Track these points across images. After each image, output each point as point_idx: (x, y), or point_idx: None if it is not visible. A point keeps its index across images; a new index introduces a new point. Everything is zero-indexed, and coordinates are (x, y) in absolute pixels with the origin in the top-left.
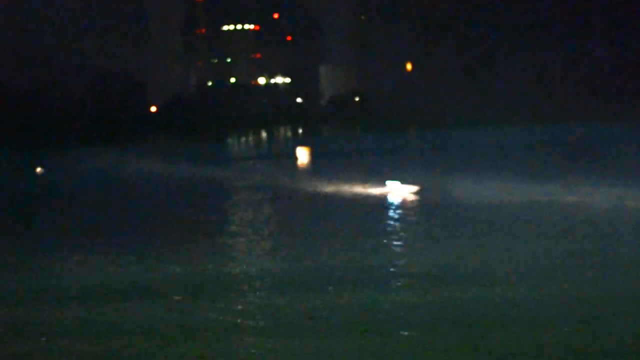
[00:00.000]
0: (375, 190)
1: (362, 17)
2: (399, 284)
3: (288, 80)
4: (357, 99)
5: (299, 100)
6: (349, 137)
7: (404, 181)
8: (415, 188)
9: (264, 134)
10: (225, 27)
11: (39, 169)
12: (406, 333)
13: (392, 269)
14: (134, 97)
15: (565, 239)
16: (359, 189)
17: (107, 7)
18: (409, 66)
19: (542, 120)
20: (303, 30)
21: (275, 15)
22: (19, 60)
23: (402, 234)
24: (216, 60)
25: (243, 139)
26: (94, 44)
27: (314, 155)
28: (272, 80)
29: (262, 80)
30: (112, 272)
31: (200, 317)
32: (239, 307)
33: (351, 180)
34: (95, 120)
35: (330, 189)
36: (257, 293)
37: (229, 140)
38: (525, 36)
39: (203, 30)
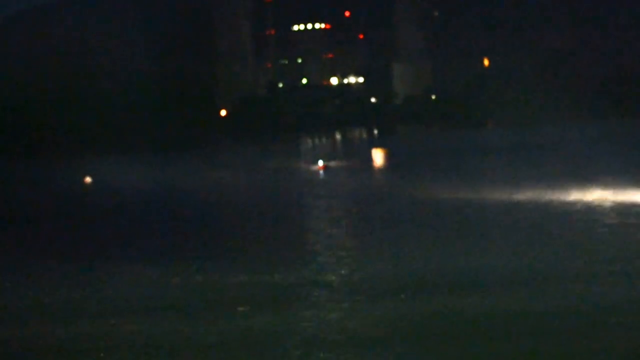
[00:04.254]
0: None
1: (435, 13)
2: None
3: (361, 79)
4: (433, 97)
5: (373, 100)
6: (428, 137)
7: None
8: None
9: (337, 136)
10: (295, 27)
11: (88, 179)
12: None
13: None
14: (203, 101)
15: None
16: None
17: (174, 10)
18: (486, 62)
19: (624, 115)
20: (375, 28)
21: (347, 14)
22: (80, 65)
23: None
24: (286, 61)
25: (317, 141)
26: (160, 48)
27: (392, 158)
28: (345, 80)
29: (334, 81)
30: (175, 283)
31: (264, 329)
32: (300, 319)
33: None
34: (163, 126)
35: (409, 193)
36: (323, 304)
37: (302, 143)
38: (605, 29)
39: (272, 31)
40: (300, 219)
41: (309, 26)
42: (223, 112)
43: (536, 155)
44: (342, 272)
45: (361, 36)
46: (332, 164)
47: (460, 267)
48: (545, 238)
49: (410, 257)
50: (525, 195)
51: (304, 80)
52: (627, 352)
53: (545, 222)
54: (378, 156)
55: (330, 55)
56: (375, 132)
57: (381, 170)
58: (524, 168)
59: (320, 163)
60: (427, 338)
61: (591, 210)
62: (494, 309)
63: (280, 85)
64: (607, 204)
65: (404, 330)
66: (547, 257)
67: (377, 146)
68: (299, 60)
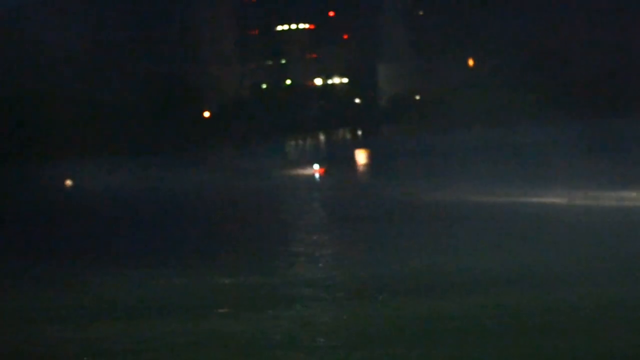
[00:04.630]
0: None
1: (420, 13)
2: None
3: (345, 80)
4: (417, 97)
5: (357, 100)
6: (412, 138)
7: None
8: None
9: (321, 137)
10: (279, 27)
11: (68, 182)
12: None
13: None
14: (185, 103)
15: None
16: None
17: (155, 10)
18: (470, 62)
19: (612, 115)
20: (360, 28)
21: (331, 14)
22: (60, 67)
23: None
24: (270, 62)
25: (300, 142)
26: (141, 48)
27: (374, 160)
28: (329, 81)
29: (318, 81)
30: (156, 285)
31: (244, 331)
32: (282, 320)
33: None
34: (146, 128)
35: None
36: (303, 306)
37: (286, 144)
38: (592, 28)
39: (256, 31)
40: (284, 222)
41: (293, 26)
42: (207, 114)
43: (520, 156)
44: (324, 274)
45: (345, 37)
46: (316, 167)
47: (443, 269)
48: (523, 238)
49: (393, 259)
50: (506, 196)
51: (288, 81)
52: (616, 352)
53: (524, 222)
54: (361, 158)
55: (314, 56)
56: (360, 133)
57: (363, 172)
58: (507, 169)
59: (317, 167)
60: (408, 339)
61: (570, 211)
62: (476, 309)
63: (264, 86)
64: (586, 204)
65: (385, 332)
66: (527, 257)
67: (360, 148)
68: (283, 61)
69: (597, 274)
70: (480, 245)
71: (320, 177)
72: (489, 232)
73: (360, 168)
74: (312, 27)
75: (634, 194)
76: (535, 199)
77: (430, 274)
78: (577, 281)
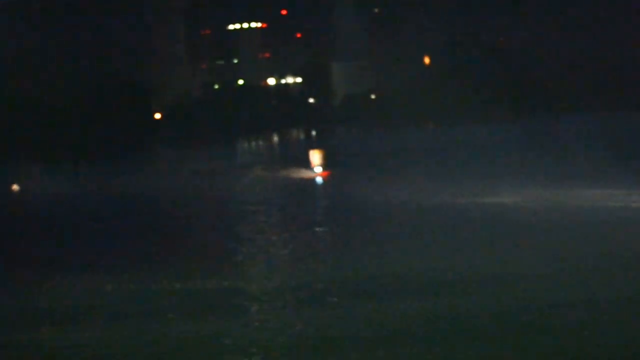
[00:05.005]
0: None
1: (376, 10)
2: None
3: (299, 79)
4: (373, 97)
5: (311, 100)
6: (366, 138)
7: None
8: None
9: (275, 138)
10: (231, 26)
11: (14, 186)
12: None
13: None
14: (136, 105)
15: None
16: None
17: (104, 9)
18: (427, 60)
19: (571, 113)
20: (313, 26)
21: (284, 12)
22: (5, 65)
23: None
24: (222, 62)
25: (253, 144)
26: (89, 48)
27: (329, 160)
28: (283, 81)
29: (271, 81)
30: (106, 291)
31: (194, 336)
32: (234, 326)
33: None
34: (93, 131)
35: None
36: (253, 311)
37: (239, 146)
38: (553, 26)
39: (207, 31)
40: (236, 227)
41: (245, 25)
42: (157, 116)
43: (476, 155)
44: (274, 279)
45: (299, 35)
46: (319, 170)
47: (395, 272)
48: (473, 239)
49: (344, 263)
50: (460, 197)
51: (241, 81)
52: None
53: (489, 223)
54: (315, 159)
55: (267, 55)
56: (314, 133)
57: (312, 174)
58: (466, 169)
59: (319, 169)
60: (361, 342)
61: (534, 211)
62: (424, 312)
63: (216, 86)
64: (540, 204)
65: (334, 336)
66: (470, 260)
67: (314, 149)
68: (235, 61)
69: (577, 273)
70: (451, 247)
71: (324, 180)
72: (461, 234)
73: (309, 170)
74: (265, 25)
75: (598, 192)
76: (497, 199)
77: (380, 278)
78: (557, 280)
